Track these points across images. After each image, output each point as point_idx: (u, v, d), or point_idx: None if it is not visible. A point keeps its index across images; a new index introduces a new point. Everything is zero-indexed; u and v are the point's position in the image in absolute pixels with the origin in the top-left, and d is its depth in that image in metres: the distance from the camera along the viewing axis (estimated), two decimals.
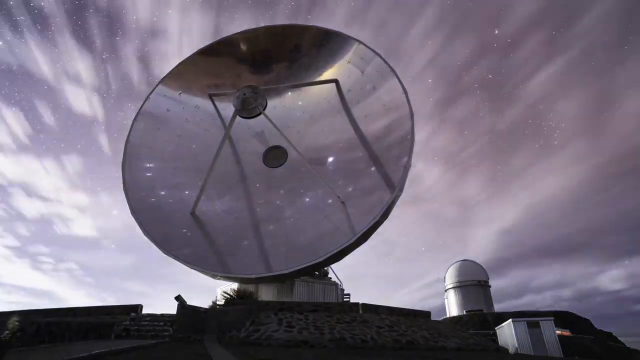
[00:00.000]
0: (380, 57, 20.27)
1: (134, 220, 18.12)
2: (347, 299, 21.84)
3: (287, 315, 13.57)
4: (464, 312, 35.04)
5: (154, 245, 17.65)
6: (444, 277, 39.74)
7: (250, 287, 18.28)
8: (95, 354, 7.33)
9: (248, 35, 21.88)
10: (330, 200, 18.68)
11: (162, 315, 14.22)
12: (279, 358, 9.10)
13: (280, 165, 21.46)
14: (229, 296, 16.88)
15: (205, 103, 21.66)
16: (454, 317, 34.43)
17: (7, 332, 7.33)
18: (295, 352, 10.37)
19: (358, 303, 15.82)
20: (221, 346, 10.47)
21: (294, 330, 12.44)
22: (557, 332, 19.95)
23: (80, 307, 15.28)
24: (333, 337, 12.12)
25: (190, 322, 12.87)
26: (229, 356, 8.75)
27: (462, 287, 36.64)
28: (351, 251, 17.99)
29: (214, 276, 18.96)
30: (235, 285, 18.54)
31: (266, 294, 18.59)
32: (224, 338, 12.09)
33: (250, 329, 12.54)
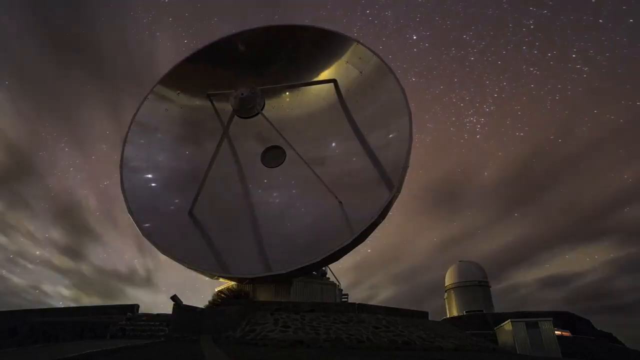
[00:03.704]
0: (379, 57, 20.23)
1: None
2: (346, 299, 21.80)
3: (283, 316, 13.53)
4: (464, 313, 34.96)
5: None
6: (444, 278, 39.69)
7: (247, 287, 18.24)
8: (87, 353, 7.32)
9: (246, 35, 21.88)
10: (328, 200, 18.63)
11: (158, 315, 14.22)
12: (273, 358, 9.07)
13: (279, 165, 21.42)
14: (225, 296, 16.86)
15: (203, 103, 21.62)
16: (453, 318, 34.34)
17: None
18: (290, 352, 10.34)
19: (355, 303, 15.79)
20: (216, 346, 10.45)
21: (289, 330, 12.41)
22: (557, 332, 19.84)
23: (76, 307, 15.30)
24: (329, 337, 12.08)
25: (186, 322, 12.86)
26: (222, 356, 8.73)
27: (462, 287, 36.57)
28: (349, 251, 17.94)
29: (212, 276, 18.97)
30: (231, 285, 18.51)
31: (264, 294, 18.54)
32: (220, 338, 12.06)
33: (246, 329, 12.52)
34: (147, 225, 18.16)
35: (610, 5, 58.59)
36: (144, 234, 17.83)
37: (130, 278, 76.10)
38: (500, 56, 66.36)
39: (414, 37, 68.94)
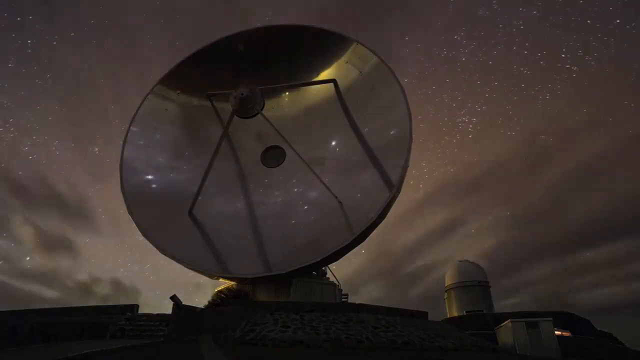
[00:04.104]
0: (379, 57, 20.22)
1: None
2: (345, 299, 21.79)
3: (282, 316, 13.52)
4: (464, 313, 34.94)
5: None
6: (444, 278, 39.68)
7: (247, 287, 18.26)
8: (86, 353, 7.32)
9: (246, 35, 21.88)
10: (328, 200, 18.64)
11: (157, 315, 14.23)
12: (273, 358, 9.08)
13: (279, 165, 21.42)
14: (225, 296, 16.87)
15: (203, 103, 21.61)
16: (453, 318, 34.32)
17: None
18: (289, 352, 10.35)
19: (354, 303, 15.78)
20: (216, 346, 10.45)
21: (289, 330, 12.40)
22: (557, 332, 19.85)
23: (76, 307, 15.31)
24: (328, 337, 12.08)
25: (186, 322, 12.86)
26: (222, 356, 8.73)
27: (462, 287, 36.56)
28: (349, 251, 17.98)
29: (212, 276, 18.98)
30: (231, 285, 18.52)
31: (264, 294, 18.54)
32: (220, 338, 12.06)
33: (245, 329, 12.51)
34: (147, 225, 18.17)
35: (597, 6, 58.79)
36: (143, 234, 17.85)
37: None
38: (491, 56, 66.64)
39: (406, 38, 69.22)
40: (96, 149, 59.30)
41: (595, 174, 60.81)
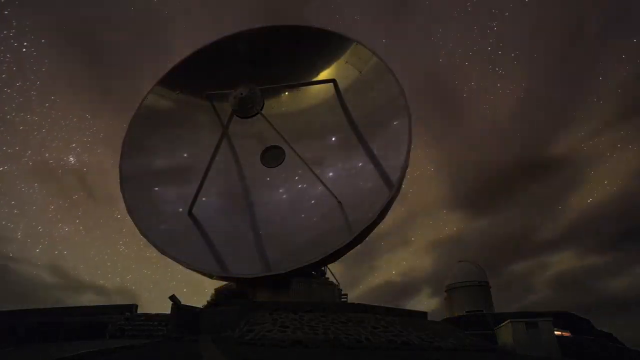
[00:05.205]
0: (378, 57, 20.21)
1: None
2: (345, 299, 21.78)
3: (281, 316, 13.53)
4: (464, 313, 34.88)
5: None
6: (445, 278, 39.65)
7: (246, 287, 18.24)
8: (82, 353, 7.32)
9: (246, 35, 21.86)
10: (327, 200, 18.64)
11: (156, 314, 14.24)
12: (272, 358, 9.08)
13: (278, 165, 21.40)
14: (224, 296, 16.88)
15: (203, 103, 21.56)
16: (453, 318, 34.28)
17: None
18: (288, 352, 10.35)
19: (354, 303, 15.78)
20: (214, 346, 10.45)
21: (288, 330, 12.41)
22: (557, 332, 19.79)
23: (75, 307, 15.32)
24: (327, 337, 12.08)
25: (185, 322, 12.87)
26: (220, 356, 8.73)
27: (462, 287, 36.50)
28: (349, 251, 17.98)
29: (211, 276, 18.97)
30: (231, 285, 18.53)
31: (263, 294, 18.53)
32: (219, 338, 12.06)
33: (244, 329, 12.52)
34: (146, 225, 18.18)
35: None
36: (143, 234, 17.85)
37: None
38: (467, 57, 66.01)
39: (383, 41, 68.75)
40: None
41: None
